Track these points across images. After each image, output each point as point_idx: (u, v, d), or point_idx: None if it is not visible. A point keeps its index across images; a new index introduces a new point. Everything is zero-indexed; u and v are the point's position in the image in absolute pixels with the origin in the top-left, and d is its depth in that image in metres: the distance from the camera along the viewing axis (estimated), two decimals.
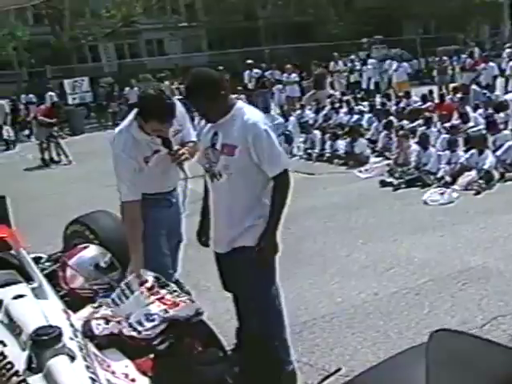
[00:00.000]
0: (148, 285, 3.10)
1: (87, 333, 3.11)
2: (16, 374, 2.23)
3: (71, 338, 2.42)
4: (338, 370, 3.36)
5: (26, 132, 17.92)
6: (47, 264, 4.05)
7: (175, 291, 3.08)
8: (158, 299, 2.98)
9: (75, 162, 13.24)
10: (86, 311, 3.43)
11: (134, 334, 2.81)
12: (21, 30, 25.73)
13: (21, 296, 2.72)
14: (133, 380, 2.60)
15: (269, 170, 3.06)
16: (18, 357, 2.29)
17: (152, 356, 2.73)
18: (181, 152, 3.66)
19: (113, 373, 2.63)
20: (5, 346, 2.41)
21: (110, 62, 30.07)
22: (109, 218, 4.85)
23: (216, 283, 3.64)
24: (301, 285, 4.95)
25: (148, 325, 2.81)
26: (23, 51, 26.41)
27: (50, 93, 19.31)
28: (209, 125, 3.18)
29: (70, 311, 3.21)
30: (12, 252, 3.13)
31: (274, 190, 3.08)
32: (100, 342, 2.95)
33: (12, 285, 2.87)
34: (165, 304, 2.96)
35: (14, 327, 2.50)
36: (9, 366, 2.29)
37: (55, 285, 3.84)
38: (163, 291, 3.05)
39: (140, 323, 2.83)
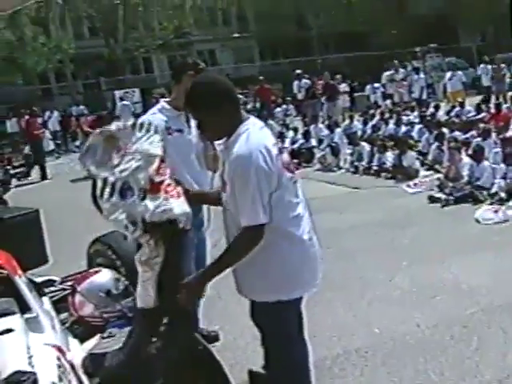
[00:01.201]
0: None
1: (87, 369, 2.85)
2: None
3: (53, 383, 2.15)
4: None
5: (77, 143, 18.14)
6: (61, 287, 3.83)
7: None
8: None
9: None
10: (93, 342, 3.18)
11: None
12: (66, 43, 26.17)
13: (9, 330, 2.48)
14: None
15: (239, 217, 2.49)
16: None
17: None
18: None
19: None
20: None
21: (162, 73, 30.37)
22: None
23: None
24: (336, 311, 4.58)
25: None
26: (69, 63, 26.90)
27: (124, 102, 19.19)
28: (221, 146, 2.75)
29: (68, 346, 2.98)
30: (12, 278, 2.90)
31: (234, 239, 2.53)
32: (101, 382, 2.70)
33: (4, 316, 2.63)
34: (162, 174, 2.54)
35: None
36: None
37: (66, 310, 3.64)
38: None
39: None
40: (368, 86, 19.14)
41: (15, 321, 2.59)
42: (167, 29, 29.44)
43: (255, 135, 2.52)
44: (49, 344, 2.56)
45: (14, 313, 2.68)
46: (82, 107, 20.09)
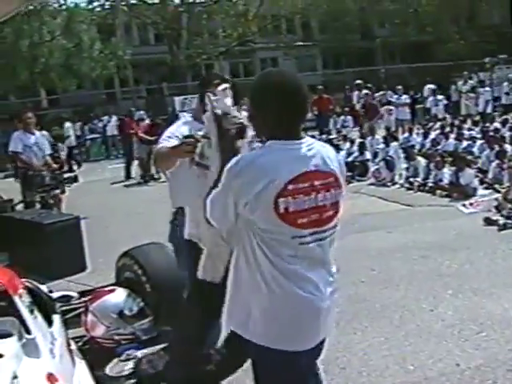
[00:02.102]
0: None
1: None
2: None
3: None
4: None
5: (134, 147, 18.33)
6: (77, 302, 3.71)
7: None
8: None
9: None
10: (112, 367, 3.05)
11: None
12: (122, 50, 26.63)
13: None
14: None
15: None
16: None
17: None
18: None
19: None
20: None
21: None
22: (161, 252, 4.49)
23: None
24: (370, 342, 4.27)
25: None
26: (124, 69, 27.37)
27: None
28: None
29: (72, 369, 2.84)
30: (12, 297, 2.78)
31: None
32: None
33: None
34: None
35: None
36: None
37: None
38: None
39: None
40: (430, 98, 18.51)
41: (8, 345, 2.45)
42: (231, 36, 29.55)
43: (271, 157, 2.14)
44: (41, 371, 2.41)
45: (9, 335, 2.54)
46: (141, 112, 20.27)
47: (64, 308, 3.55)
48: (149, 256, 4.43)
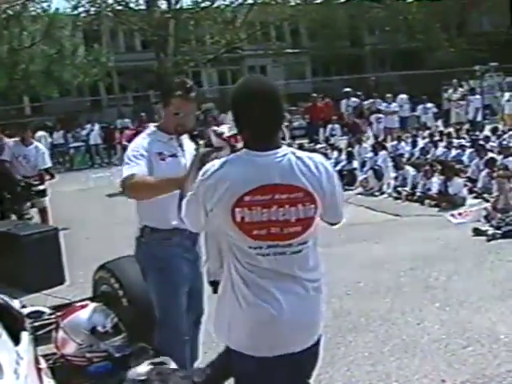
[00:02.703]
0: None
1: None
2: None
3: None
4: None
5: (117, 156, 18.18)
6: (48, 318, 3.55)
7: None
8: None
9: None
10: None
11: None
12: (105, 57, 26.41)
13: None
14: None
15: None
16: None
17: None
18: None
19: None
20: None
21: (211, 88, 30.39)
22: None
23: None
24: (353, 358, 4.15)
25: None
26: (106, 76, 27.12)
27: None
28: None
29: None
30: None
31: None
32: None
33: None
34: None
35: None
36: None
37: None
38: None
39: None
40: (420, 106, 18.46)
41: None
42: (218, 43, 29.37)
43: (235, 166, 2.12)
44: None
45: None
46: (126, 120, 20.08)
47: (35, 324, 3.40)
48: (126, 269, 4.29)
